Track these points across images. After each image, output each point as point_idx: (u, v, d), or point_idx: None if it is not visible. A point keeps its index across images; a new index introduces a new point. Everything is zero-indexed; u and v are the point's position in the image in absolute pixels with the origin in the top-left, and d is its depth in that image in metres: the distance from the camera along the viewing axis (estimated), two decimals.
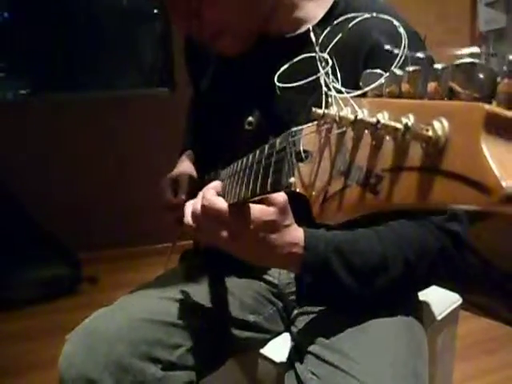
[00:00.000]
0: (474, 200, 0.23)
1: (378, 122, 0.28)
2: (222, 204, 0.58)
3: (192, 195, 0.72)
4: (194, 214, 0.63)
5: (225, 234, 0.59)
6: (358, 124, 0.30)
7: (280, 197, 0.59)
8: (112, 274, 2.38)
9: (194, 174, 0.92)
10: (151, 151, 2.64)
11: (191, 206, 0.65)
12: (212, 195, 0.60)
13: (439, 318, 0.93)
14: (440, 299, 0.98)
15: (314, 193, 0.38)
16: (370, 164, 0.30)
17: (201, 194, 0.63)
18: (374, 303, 0.69)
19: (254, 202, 0.58)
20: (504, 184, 0.21)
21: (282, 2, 0.76)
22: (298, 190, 0.41)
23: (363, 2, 0.74)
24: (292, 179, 0.42)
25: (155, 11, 2.87)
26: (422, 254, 0.67)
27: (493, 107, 0.23)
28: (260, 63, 0.76)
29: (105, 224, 2.61)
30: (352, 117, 0.30)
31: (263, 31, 0.78)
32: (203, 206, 0.60)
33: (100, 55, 2.85)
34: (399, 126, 0.26)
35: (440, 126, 0.24)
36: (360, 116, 0.30)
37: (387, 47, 0.34)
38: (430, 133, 0.25)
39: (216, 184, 0.63)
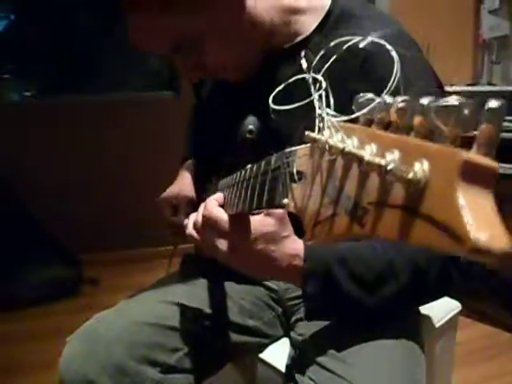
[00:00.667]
0: (446, 245, 0.23)
1: (363, 158, 0.28)
2: (221, 214, 0.59)
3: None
4: (195, 225, 0.64)
5: (224, 244, 0.59)
6: (346, 155, 0.31)
7: (278, 209, 0.58)
8: (113, 276, 2.39)
9: (192, 192, 0.93)
10: (155, 155, 2.65)
11: (193, 218, 0.66)
12: (213, 206, 0.61)
13: (438, 325, 0.94)
14: (439, 306, 0.98)
15: (306, 215, 0.38)
16: (357, 195, 0.31)
17: (203, 204, 0.63)
18: (382, 314, 0.66)
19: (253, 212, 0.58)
20: (474, 235, 0.22)
21: (276, 24, 0.76)
22: (291, 211, 0.42)
23: (358, 10, 0.74)
24: (285, 200, 0.42)
25: None
26: (431, 257, 0.63)
27: (472, 155, 0.24)
28: (260, 72, 0.77)
29: (107, 226, 2.62)
30: (341, 146, 0.31)
31: (265, 48, 0.79)
32: (204, 216, 0.61)
33: (105, 58, 2.86)
34: (382, 163, 0.27)
35: (421, 168, 0.25)
36: (347, 148, 0.30)
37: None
38: (411, 175, 0.25)
39: (218, 195, 0.63)
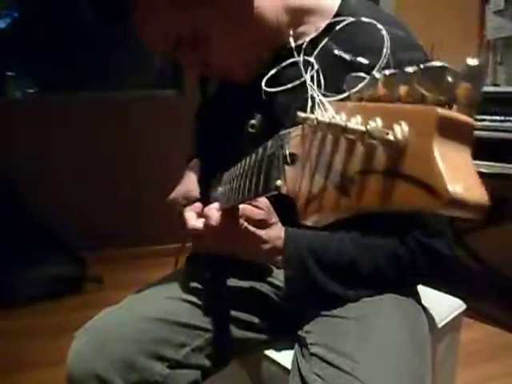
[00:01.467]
0: (425, 202, 0.24)
1: (346, 126, 0.29)
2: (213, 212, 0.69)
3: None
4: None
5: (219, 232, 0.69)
6: (332, 128, 0.31)
7: (264, 199, 0.70)
8: (116, 274, 2.40)
9: (197, 192, 0.95)
10: (159, 152, 2.66)
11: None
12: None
13: (442, 324, 0.94)
14: (443, 305, 0.99)
15: (299, 196, 0.39)
16: (344, 167, 0.31)
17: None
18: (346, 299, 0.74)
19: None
20: (450, 188, 0.22)
21: (283, 24, 0.77)
22: (284, 193, 0.43)
23: (366, 13, 0.73)
24: (279, 182, 0.44)
25: None
26: (391, 262, 0.74)
27: (446, 111, 0.24)
28: (265, 72, 0.78)
29: (110, 224, 2.63)
30: (327, 120, 0.31)
31: (273, 49, 0.79)
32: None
33: (109, 56, 2.87)
34: (362, 129, 0.27)
35: (400, 130, 0.25)
36: (333, 121, 0.31)
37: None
38: (390, 136, 0.25)
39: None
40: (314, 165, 0.36)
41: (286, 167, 0.42)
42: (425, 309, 0.83)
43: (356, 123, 0.29)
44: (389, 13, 0.80)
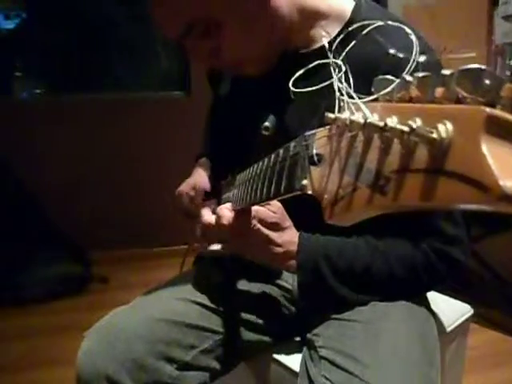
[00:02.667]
0: (473, 198, 0.24)
1: (386, 125, 0.29)
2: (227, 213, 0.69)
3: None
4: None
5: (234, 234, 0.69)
6: (367, 128, 0.31)
7: (276, 202, 0.70)
8: (122, 274, 2.40)
9: (207, 184, 0.95)
10: (165, 153, 2.66)
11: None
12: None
13: (450, 328, 0.94)
14: (451, 310, 0.99)
15: (325, 195, 0.39)
16: (378, 166, 0.31)
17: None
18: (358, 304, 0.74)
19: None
20: (501, 182, 0.22)
21: (295, 24, 0.77)
22: (309, 193, 0.43)
23: (380, 17, 0.75)
24: (304, 181, 0.43)
25: None
26: (407, 269, 0.74)
27: (494, 110, 0.24)
28: (277, 73, 0.78)
29: (117, 225, 2.64)
30: (362, 120, 0.32)
31: (282, 50, 0.80)
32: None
33: (116, 57, 2.88)
34: (406, 128, 0.27)
35: (444, 129, 0.26)
36: (369, 120, 0.31)
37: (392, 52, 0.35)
38: (435, 135, 0.26)
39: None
40: (342, 165, 0.36)
41: (312, 167, 0.42)
42: (433, 313, 0.83)
43: (393, 123, 0.29)
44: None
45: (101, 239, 2.51)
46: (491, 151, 0.23)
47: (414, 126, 0.27)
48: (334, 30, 0.76)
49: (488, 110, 0.24)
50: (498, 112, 0.24)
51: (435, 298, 0.87)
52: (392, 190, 0.30)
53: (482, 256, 2.09)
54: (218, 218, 0.69)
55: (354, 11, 0.76)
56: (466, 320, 1.00)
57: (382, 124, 0.29)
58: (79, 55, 2.80)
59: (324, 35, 0.75)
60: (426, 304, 0.81)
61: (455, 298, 1.03)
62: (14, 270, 2.21)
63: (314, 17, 0.78)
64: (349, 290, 0.73)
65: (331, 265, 0.72)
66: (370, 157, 0.32)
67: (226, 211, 0.69)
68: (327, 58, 0.45)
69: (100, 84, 2.86)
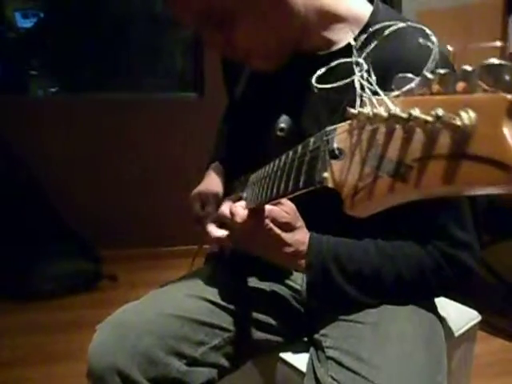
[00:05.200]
0: (495, 179, 0.25)
1: (411, 115, 0.30)
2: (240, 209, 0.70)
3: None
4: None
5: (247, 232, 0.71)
6: (390, 119, 0.33)
7: (289, 203, 0.71)
8: (131, 273, 2.41)
9: (221, 190, 0.96)
10: (176, 154, 2.68)
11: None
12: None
13: (457, 334, 0.94)
14: (459, 315, 0.99)
15: (345, 188, 0.40)
16: (400, 156, 0.32)
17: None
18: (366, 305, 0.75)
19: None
20: None
21: (311, 23, 0.77)
22: (330, 185, 0.44)
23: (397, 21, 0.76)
24: (325, 174, 0.44)
25: None
26: (416, 273, 0.74)
27: None
28: (293, 74, 0.79)
29: (127, 224, 2.65)
30: (385, 114, 0.33)
31: (296, 50, 0.80)
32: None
33: (130, 57, 2.91)
34: (430, 118, 0.29)
35: (467, 116, 0.27)
36: (393, 111, 0.32)
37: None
38: (458, 122, 0.27)
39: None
40: (362, 157, 0.38)
41: (332, 161, 0.43)
42: (441, 318, 0.83)
43: (417, 113, 0.30)
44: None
45: (111, 237, 2.53)
46: None
47: (440, 113, 0.28)
48: (351, 33, 0.76)
49: (509, 96, 0.26)
50: None
51: (443, 303, 0.87)
52: (414, 176, 0.31)
53: (490, 263, 2.08)
54: (232, 215, 0.70)
55: (372, 15, 0.76)
56: (474, 326, 1.00)
57: (406, 115, 0.31)
58: (94, 55, 2.82)
59: (349, 34, 0.75)
60: (433, 308, 0.82)
61: (463, 303, 1.03)
62: (25, 266, 2.22)
63: (331, 19, 0.78)
64: (357, 292, 0.74)
65: (340, 266, 0.73)
66: (392, 147, 0.34)
67: (240, 209, 0.70)
68: (347, 59, 0.47)
69: (114, 84, 2.88)
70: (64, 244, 2.36)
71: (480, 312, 1.04)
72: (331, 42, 0.79)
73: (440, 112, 0.28)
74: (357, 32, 0.76)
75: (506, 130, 0.25)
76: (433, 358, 0.69)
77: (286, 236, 0.71)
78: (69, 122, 2.63)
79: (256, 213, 0.69)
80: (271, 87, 0.84)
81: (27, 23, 2.81)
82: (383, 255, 0.74)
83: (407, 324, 0.73)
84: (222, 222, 0.79)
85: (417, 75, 0.35)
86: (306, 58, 0.79)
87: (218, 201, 0.91)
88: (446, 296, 0.94)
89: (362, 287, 0.74)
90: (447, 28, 2.25)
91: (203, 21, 0.73)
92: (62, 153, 2.60)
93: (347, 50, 0.75)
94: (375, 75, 0.41)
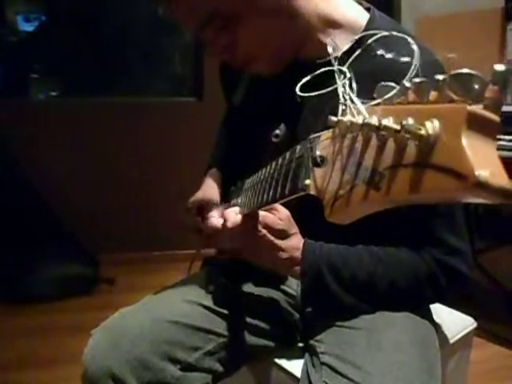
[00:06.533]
0: (453, 187, 0.26)
1: (381, 124, 0.31)
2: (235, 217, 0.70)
3: None
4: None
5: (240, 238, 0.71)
6: (365, 128, 0.34)
7: (284, 210, 0.72)
8: (129, 277, 2.41)
9: (215, 196, 0.96)
10: (176, 158, 2.69)
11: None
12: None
13: (452, 340, 0.94)
14: (454, 322, 0.99)
15: (326, 195, 0.41)
16: (374, 164, 0.33)
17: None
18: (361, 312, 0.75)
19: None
20: (477, 172, 0.25)
21: (311, 29, 0.78)
22: (312, 193, 0.45)
23: (391, 29, 0.76)
24: (307, 181, 0.45)
25: None
26: (410, 279, 0.74)
27: (475, 108, 0.27)
28: (288, 82, 0.79)
29: (125, 227, 2.66)
30: (360, 121, 0.34)
31: (295, 56, 0.81)
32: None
33: (130, 62, 2.92)
34: (397, 126, 0.30)
35: (431, 126, 0.28)
36: (367, 120, 0.33)
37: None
38: (423, 131, 0.28)
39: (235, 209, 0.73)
40: (343, 164, 0.38)
41: (315, 168, 0.44)
42: (436, 324, 0.83)
43: (387, 122, 0.31)
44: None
45: (109, 241, 2.53)
46: (470, 144, 0.26)
47: (404, 123, 0.29)
48: (347, 39, 0.77)
49: (469, 107, 0.27)
50: (478, 110, 0.27)
51: (439, 310, 0.88)
52: (385, 185, 0.32)
53: (486, 269, 2.08)
54: (224, 221, 0.71)
55: (368, 23, 0.77)
56: (469, 332, 1.00)
57: (377, 123, 0.32)
58: (95, 59, 2.84)
59: (331, 43, 0.76)
60: (428, 315, 0.82)
61: (459, 310, 1.03)
62: (23, 269, 2.23)
63: (329, 25, 0.78)
64: (351, 298, 0.74)
65: (334, 272, 0.73)
66: (368, 155, 0.35)
67: (232, 214, 0.70)
68: (331, 67, 0.48)
69: (114, 88, 2.90)
70: (62, 247, 2.37)
71: (476, 317, 1.04)
72: (326, 48, 0.79)
73: (408, 121, 0.29)
74: (351, 39, 0.76)
75: (464, 140, 0.26)
76: (427, 365, 0.69)
77: (279, 242, 0.72)
78: (69, 125, 2.64)
79: (250, 218, 0.70)
80: (268, 94, 0.85)
81: (29, 26, 2.83)
82: (377, 261, 0.74)
83: (402, 330, 0.73)
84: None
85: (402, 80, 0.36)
86: (304, 65, 0.79)
87: (216, 208, 0.91)
88: (441, 303, 0.94)
89: (356, 293, 0.74)
90: (446, 35, 2.26)
91: (207, 23, 0.73)
92: (62, 156, 2.61)
93: (342, 58, 0.76)
94: (363, 83, 0.42)
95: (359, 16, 0.79)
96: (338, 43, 0.77)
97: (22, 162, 2.44)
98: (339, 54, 0.76)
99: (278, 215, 0.71)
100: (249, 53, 0.77)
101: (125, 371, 0.73)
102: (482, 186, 0.25)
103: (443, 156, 0.27)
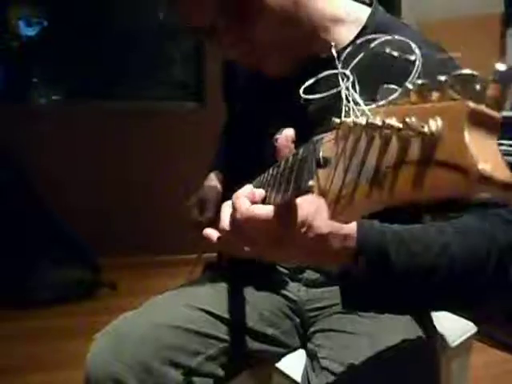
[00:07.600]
0: (456, 182, 0.26)
1: (384, 122, 0.32)
2: (266, 213, 0.53)
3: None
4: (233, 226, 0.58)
5: (272, 239, 0.53)
6: (369, 127, 0.34)
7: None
8: (131, 281, 2.42)
9: (217, 195, 0.96)
10: (177, 163, 2.70)
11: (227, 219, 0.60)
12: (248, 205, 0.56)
13: (453, 345, 0.94)
14: (454, 327, 0.99)
15: (329, 196, 0.41)
16: (377, 163, 0.34)
17: (228, 205, 0.61)
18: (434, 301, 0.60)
19: None
20: (480, 166, 0.25)
21: (314, 24, 0.78)
22: (315, 193, 0.45)
23: (393, 26, 0.76)
24: (311, 182, 0.45)
25: None
26: (489, 247, 0.56)
27: (477, 105, 0.27)
28: (290, 83, 0.79)
29: (127, 232, 2.67)
30: (364, 122, 0.35)
31: (303, 52, 0.80)
32: (247, 218, 0.54)
33: (132, 67, 2.94)
34: (400, 125, 0.30)
35: (434, 124, 0.28)
36: (370, 120, 0.34)
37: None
38: (426, 129, 0.29)
39: (246, 191, 0.58)
40: (346, 165, 0.39)
41: (319, 170, 0.44)
42: (436, 329, 0.84)
43: (391, 121, 0.32)
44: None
45: (111, 246, 2.54)
46: (473, 139, 0.26)
47: (411, 121, 0.30)
48: (349, 35, 0.76)
49: (471, 104, 0.27)
50: (481, 107, 0.27)
51: (439, 315, 0.88)
52: (388, 183, 0.32)
53: None
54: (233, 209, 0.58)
55: (369, 18, 0.77)
56: (469, 337, 1.00)
57: (380, 122, 0.32)
58: (97, 64, 2.86)
59: (332, 44, 0.76)
60: (429, 320, 0.82)
61: (458, 315, 1.03)
62: (24, 273, 2.24)
63: (333, 22, 0.78)
64: (426, 285, 0.56)
65: (403, 246, 0.54)
66: (371, 155, 0.35)
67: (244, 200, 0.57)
68: (333, 71, 0.48)
69: (116, 93, 2.91)
70: (64, 252, 2.37)
71: (476, 323, 1.04)
72: (329, 45, 0.79)
73: (411, 120, 0.30)
74: (354, 35, 0.76)
75: (466, 135, 0.26)
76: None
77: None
78: (70, 129, 2.65)
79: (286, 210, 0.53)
80: (270, 96, 0.85)
81: (31, 31, 2.84)
82: (447, 230, 0.57)
83: (402, 335, 0.73)
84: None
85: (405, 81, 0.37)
86: (311, 62, 0.77)
87: (217, 207, 0.91)
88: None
89: (431, 273, 0.55)
90: (445, 39, 2.27)
91: (222, 13, 0.70)
92: (63, 161, 2.62)
93: (343, 51, 0.74)
94: (366, 84, 0.42)
95: (361, 11, 0.79)
96: (339, 38, 0.77)
97: (24, 166, 2.45)
98: (344, 54, 0.76)
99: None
100: (263, 46, 0.75)
101: (127, 376, 0.73)
102: (485, 180, 0.25)
103: (446, 151, 0.27)
